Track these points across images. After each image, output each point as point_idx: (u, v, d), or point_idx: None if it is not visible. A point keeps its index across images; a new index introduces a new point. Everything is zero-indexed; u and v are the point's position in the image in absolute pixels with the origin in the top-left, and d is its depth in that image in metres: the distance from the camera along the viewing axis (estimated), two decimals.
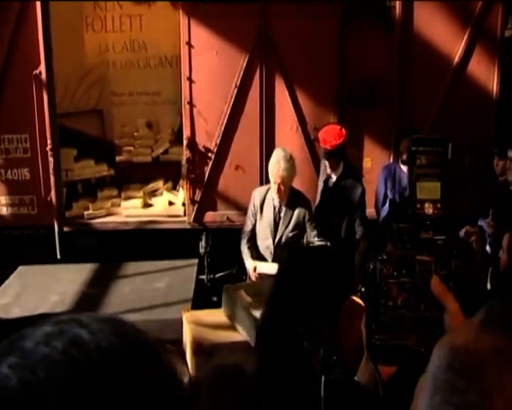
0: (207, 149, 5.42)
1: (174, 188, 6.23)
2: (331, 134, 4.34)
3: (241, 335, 3.02)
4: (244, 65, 5.26)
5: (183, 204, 5.69)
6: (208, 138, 5.39)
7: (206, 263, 5.32)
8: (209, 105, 5.33)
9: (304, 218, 4.04)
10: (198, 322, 3.11)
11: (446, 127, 5.44)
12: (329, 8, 5.23)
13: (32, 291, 4.61)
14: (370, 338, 1.24)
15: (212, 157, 5.38)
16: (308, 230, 4.05)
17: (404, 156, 4.60)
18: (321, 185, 4.60)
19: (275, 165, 3.91)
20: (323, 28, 5.23)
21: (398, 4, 5.32)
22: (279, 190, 3.91)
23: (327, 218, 4.32)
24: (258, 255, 4.11)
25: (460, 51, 5.46)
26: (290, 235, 4.02)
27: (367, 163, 5.59)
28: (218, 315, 3.34)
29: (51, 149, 5.28)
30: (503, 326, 0.72)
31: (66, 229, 5.45)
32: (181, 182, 5.97)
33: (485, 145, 5.45)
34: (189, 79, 5.29)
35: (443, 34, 5.41)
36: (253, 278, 3.97)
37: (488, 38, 5.50)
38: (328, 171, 4.45)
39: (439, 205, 1.26)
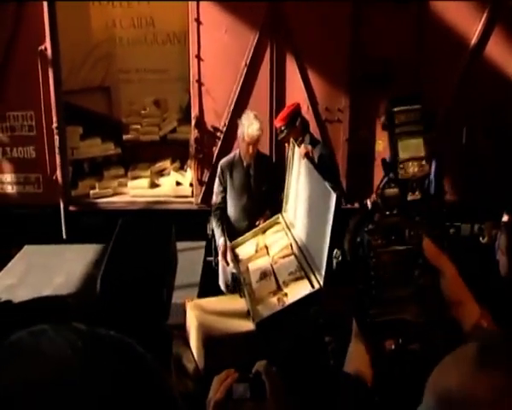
0: (216, 129, 5.30)
1: (182, 168, 6.13)
2: (280, 114, 4.43)
3: (248, 324, 2.93)
4: (254, 43, 5.13)
5: (191, 185, 5.60)
6: (217, 118, 5.27)
7: (213, 245, 5.22)
8: (218, 84, 5.21)
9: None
10: (204, 310, 3.01)
11: (463, 108, 5.31)
12: None
13: (36, 272, 4.57)
14: (363, 316, 1.15)
15: (221, 137, 5.27)
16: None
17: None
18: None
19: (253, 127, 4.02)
20: (336, 4, 5.07)
21: None
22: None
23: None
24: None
25: (478, 30, 5.29)
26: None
27: (379, 146, 5.44)
28: (221, 303, 3.26)
29: (57, 127, 5.21)
30: (502, 365, 0.70)
31: (71, 208, 5.39)
32: (189, 162, 5.86)
33: (505, 129, 5.28)
34: (198, 57, 5.17)
35: (461, 12, 5.23)
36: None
37: (507, 18, 5.31)
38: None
39: (423, 162, 1.15)
